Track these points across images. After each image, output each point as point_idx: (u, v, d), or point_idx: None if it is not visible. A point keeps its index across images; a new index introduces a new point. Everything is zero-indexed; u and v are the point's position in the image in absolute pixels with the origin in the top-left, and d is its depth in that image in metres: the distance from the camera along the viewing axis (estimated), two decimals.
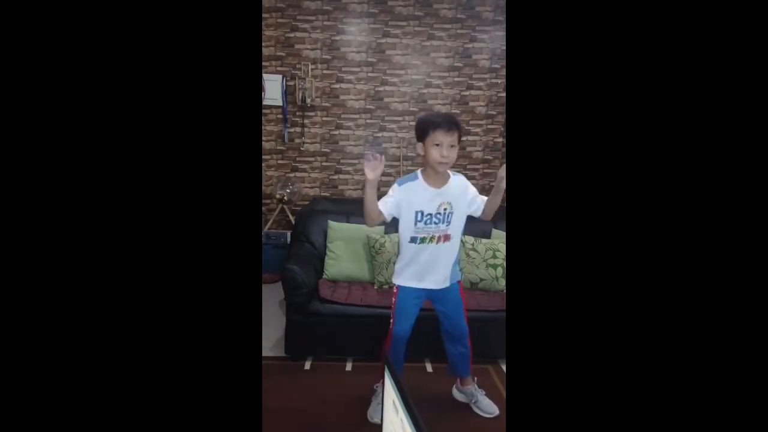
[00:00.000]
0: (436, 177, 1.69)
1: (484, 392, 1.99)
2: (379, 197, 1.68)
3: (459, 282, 1.87)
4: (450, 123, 1.60)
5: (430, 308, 1.87)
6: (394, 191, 1.70)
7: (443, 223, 1.70)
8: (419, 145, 1.66)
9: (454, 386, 2.05)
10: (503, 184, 1.61)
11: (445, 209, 1.69)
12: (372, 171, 1.52)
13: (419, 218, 1.69)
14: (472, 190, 1.78)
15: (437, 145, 1.59)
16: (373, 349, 2.23)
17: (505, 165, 1.60)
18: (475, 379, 2.01)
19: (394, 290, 1.84)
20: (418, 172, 1.73)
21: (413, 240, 1.72)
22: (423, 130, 1.63)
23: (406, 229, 1.72)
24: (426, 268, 1.75)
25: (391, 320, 1.83)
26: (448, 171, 1.73)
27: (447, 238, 1.73)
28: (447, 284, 1.81)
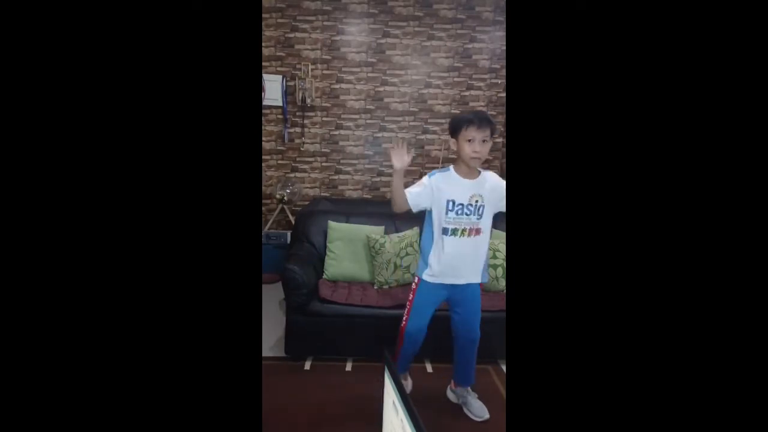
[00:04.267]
0: (469, 171, 1.72)
1: (476, 395, 1.96)
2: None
3: (481, 285, 1.85)
4: (482, 119, 1.64)
5: (436, 308, 1.86)
6: (424, 181, 1.73)
7: (474, 215, 1.71)
8: (452, 141, 1.71)
9: (448, 387, 2.05)
10: None
11: (476, 201, 1.71)
12: (399, 159, 1.61)
13: (450, 207, 1.70)
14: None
15: (470, 140, 1.64)
16: (373, 349, 2.23)
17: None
18: None
19: (414, 284, 1.83)
20: (451, 166, 1.76)
21: (445, 231, 1.72)
22: (456, 126, 1.68)
23: (437, 219, 1.73)
24: (456, 263, 1.75)
25: (405, 316, 1.82)
26: (480, 169, 1.76)
27: (478, 231, 1.74)
28: (476, 281, 1.80)
